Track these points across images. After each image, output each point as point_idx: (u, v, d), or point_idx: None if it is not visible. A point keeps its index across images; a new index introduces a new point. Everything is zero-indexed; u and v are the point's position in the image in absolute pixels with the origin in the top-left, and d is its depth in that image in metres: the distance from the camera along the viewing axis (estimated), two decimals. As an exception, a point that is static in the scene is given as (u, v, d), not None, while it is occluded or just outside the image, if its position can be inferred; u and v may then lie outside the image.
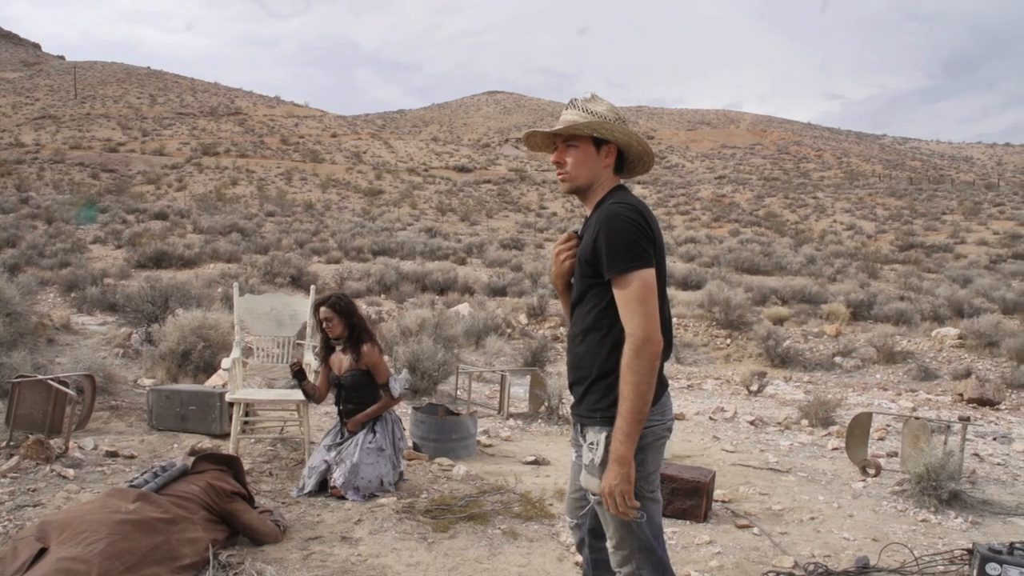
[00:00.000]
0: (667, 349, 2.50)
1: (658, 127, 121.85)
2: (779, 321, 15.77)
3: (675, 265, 23.35)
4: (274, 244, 26.42)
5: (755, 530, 4.86)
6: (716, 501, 5.34)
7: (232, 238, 26.90)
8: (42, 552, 3.25)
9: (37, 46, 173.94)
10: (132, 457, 5.61)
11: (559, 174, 2.57)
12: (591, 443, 2.50)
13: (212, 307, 11.16)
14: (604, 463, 2.44)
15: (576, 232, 2.66)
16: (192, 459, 4.20)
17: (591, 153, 2.52)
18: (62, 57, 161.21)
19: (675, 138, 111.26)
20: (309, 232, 31.74)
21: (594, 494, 2.52)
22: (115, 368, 8.16)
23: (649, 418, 2.44)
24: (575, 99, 2.56)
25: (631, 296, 2.36)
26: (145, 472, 4.14)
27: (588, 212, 2.61)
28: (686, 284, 19.82)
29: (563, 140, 2.54)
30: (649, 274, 2.38)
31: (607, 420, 2.45)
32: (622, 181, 2.64)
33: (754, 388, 11.40)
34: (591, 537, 2.78)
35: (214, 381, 7.78)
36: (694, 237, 34.90)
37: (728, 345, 14.62)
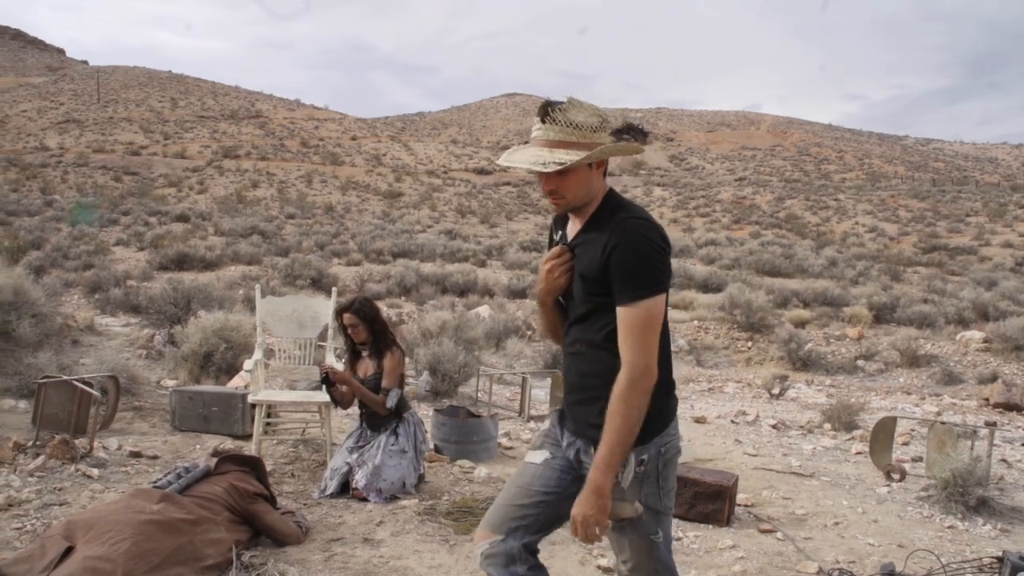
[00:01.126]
0: (671, 378, 2.41)
1: (678, 129, 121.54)
2: (801, 324, 15.65)
3: (695, 267, 23.26)
4: (295, 246, 26.52)
5: (778, 535, 4.82)
6: (739, 505, 5.30)
7: (253, 240, 27.03)
8: (69, 551, 3.28)
9: (61, 51, 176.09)
10: (155, 457, 5.65)
11: (555, 200, 2.33)
12: None
13: (234, 309, 11.22)
14: (628, 485, 2.34)
15: (567, 245, 2.43)
16: (215, 460, 4.22)
17: (585, 171, 2.30)
18: (85, 62, 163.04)
19: (695, 140, 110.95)
20: (329, 234, 31.86)
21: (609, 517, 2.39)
22: (138, 369, 8.21)
23: (668, 433, 2.39)
24: (550, 107, 2.25)
25: (638, 324, 2.22)
26: (169, 473, 4.17)
27: (578, 221, 2.41)
28: (707, 286, 19.71)
29: None
30: (661, 301, 2.24)
31: None
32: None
33: (776, 391, 11.32)
34: (525, 552, 2.48)
35: (236, 382, 7.82)
36: (714, 239, 34.76)
37: (749, 348, 14.53)
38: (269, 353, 6.42)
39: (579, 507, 2.25)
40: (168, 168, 65.84)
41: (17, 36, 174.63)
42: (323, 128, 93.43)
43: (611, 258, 2.22)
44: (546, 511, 2.49)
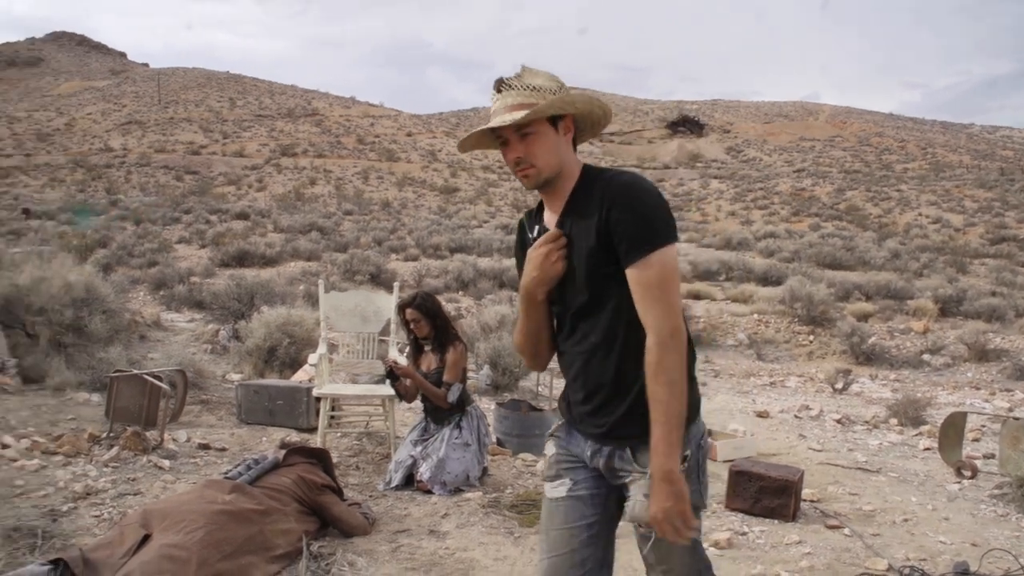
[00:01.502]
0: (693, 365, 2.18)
1: (734, 120, 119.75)
2: (863, 317, 15.36)
3: (755, 260, 22.99)
4: (353, 242, 26.84)
5: (846, 531, 4.73)
6: (804, 500, 5.21)
7: (312, 237, 27.44)
8: (146, 538, 3.37)
9: (123, 55, 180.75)
10: (223, 450, 5.77)
11: (524, 171, 2.13)
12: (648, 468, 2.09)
13: (295, 304, 11.40)
14: None
15: (562, 230, 2.19)
16: (283, 452, 4.30)
17: (552, 134, 2.11)
18: (147, 65, 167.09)
19: (752, 131, 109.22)
20: (387, 230, 32.18)
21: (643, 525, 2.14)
22: (204, 364, 8.39)
23: (698, 423, 2.20)
24: (504, 79, 2.13)
25: (655, 280, 2.00)
26: (238, 464, 4.27)
27: (557, 203, 2.21)
28: (766, 279, 19.47)
29: (515, 132, 2.10)
30: (674, 253, 2.04)
31: None
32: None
33: (839, 386, 11.11)
34: None
35: (299, 376, 7.94)
36: (773, 232, 34.24)
37: (811, 342, 14.30)
38: (332, 348, 6.51)
39: (656, 504, 2.01)
40: (227, 167, 67.14)
41: (82, 42, 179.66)
42: (379, 125, 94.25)
43: (611, 218, 2.04)
44: (598, 541, 2.28)
